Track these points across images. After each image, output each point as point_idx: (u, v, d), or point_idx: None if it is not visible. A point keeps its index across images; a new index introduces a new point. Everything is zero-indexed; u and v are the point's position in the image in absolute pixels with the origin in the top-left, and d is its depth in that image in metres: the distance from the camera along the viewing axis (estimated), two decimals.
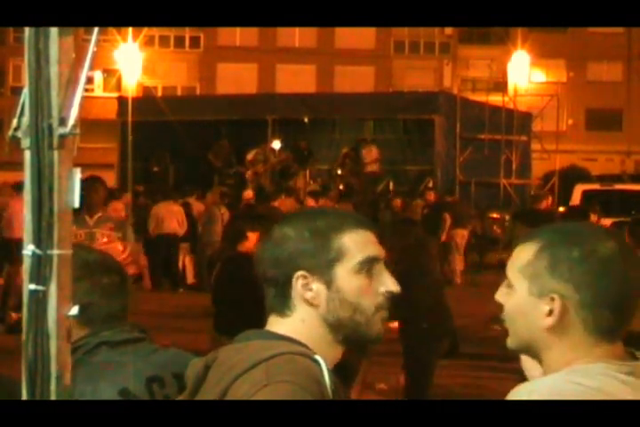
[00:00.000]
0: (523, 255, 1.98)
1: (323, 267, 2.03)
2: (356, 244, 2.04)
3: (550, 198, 16.43)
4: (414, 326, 7.43)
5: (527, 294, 1.95)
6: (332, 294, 2.04)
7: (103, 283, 2.55)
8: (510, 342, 2.02)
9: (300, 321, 2.06)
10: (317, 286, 2.04)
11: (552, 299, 1.92)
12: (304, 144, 23.46)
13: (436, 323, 7.63)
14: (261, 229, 7.40)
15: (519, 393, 1.88)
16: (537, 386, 1.89)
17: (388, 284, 2.06)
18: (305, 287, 2.04)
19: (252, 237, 7.17)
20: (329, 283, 2.03)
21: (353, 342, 2.09)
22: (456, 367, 10.55)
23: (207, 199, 19.37)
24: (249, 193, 19.74)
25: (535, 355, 1.99)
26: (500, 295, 2.01)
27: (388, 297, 2.07)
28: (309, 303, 2.04)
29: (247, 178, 23.07)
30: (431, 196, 20.98)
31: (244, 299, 7.04)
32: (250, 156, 23.22)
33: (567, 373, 1.89)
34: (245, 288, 7.12)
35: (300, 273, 2.03)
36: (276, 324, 2.07)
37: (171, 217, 17.77)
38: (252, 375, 1.91)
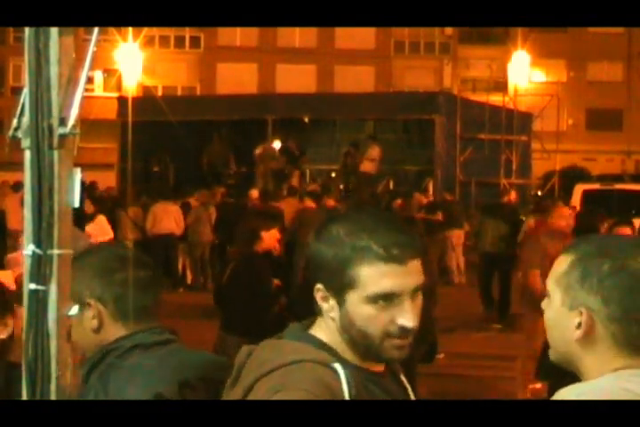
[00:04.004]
0: (559, 266, 1.99)
1: (337, 288, 2.05)
2: (371, 278, 2.02)
3: (513, 193, 18.52)
4: None
5: (560, 305, 1.96)
6: (343, 314, 2.06)
7: (138, 276, 2.54)
8: (551, 355, 2.02)
9: (327, 328, 2.11)
10: (332, 302, 2.07)
11: (581, 312, 1.92)
12: (293, 144, 23.44)
13: (420, 328, 7.57)
14: (274, 228, 7.42)
15: (567, 395, 1.87)
16: (586, 389, 1.87)
17: (404, 318, 2.05)
18: (323, 300, 2.08)
19: (266, 236, 7.21)
20: (341, 304, 2.06)
21: (370, 360, 2.11)
22: (453, 368, 10.55)
23: (194, 200, 19.22)
24: (255, 192, 19.68)
25: (573, 368, 1.98)
26: (543, 304, 2.03)
27: (402, 330, 2.06)
28: (329, 316, 2.09)
29: (258, 174, 22.97)
30: (429, 196, 20.97)
31: (259, 299, 7.04)
32: (258, 150, 23.10)
33: (615, 377, 1.87)
34: (260, 288, 7.12)
35: (318, 286, 2.08)
36: (317, 323, 2.13)
37: (168, 217, 17.71)
38: (270, 379, 1.96)
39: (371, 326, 2.04)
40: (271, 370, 1.97)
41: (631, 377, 1.86)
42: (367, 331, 2.05)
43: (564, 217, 9.45)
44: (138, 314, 2.53)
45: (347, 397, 1.96)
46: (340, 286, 2.04)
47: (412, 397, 2.24)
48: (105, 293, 2.51)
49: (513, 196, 18.04)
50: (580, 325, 1.92)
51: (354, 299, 2.04)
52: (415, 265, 2.06)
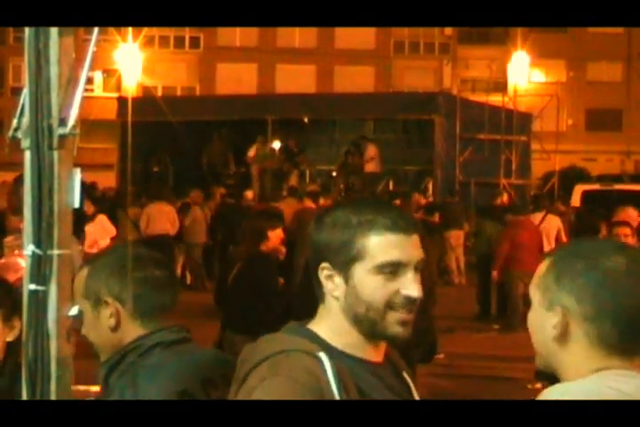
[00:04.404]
0: (539, 270, 2.01)
1: (343, 263, 2.10)
2: (380, 247, 2.08)
3: (506, 195, 19.40)
4: None
5: (539, 306, 1.97)
6: (349, 289, 2.10)
7: (155, 275, 2.55)
8: (536, 360, 2.03)
9: (328, 311, 2.15)
10: (338, 280, 2.11)
11: (557, 311, 1.93)
12: (292, 143, 23.43)
13: (416, 327, 7.55)
14: (279, 227, 7.42)
15: (551, 395, 1.87)
16: (570, 389, 1.87)
17: (408, 288, 2.10)
18: (328, 279, 2.12)
19: (272, 236, 7.21)
20: (347, 279, 2.10)
21: (375, 338, 2.13)
22: (453, 368, 10.55)
23: (194, 199, 19.09)
24: (249, 193, 19.66)
25: (553, 370, 1.98)
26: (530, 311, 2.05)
27: (407, 301, 2.10)
28: (332, 295, 2.12)
29: (253, 175, 22.98)
30: (429, 197, 20.96)
31: (268, 298, 7.02)
32: (251, 152, 23.14)
33: (600, 377, 1.87)
34: (270, 287, 7.11)
35: (324, 265, 2.12)
36: (317, 315, 2.17)
37: (161, 217, 17.61)
38: (260, 369, 2.03)
39: (376, 297, 2.08)
40: (261, 360, 2.04)
41: (617, 377, 1.86)
42: (372, 303, 2.08)
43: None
44: (156, 313, 2.54)
45: (333, 385, 2.00)
46: (347, 260, 2.09)
47: (415, 393, 2.25)
48: (123, 291, 2.51)
49: (505, 197, 18.40)
50: (557, 324, 1.93)
51: (360, 272, 2.08)
52: (417, 240, 2.13)
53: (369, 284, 2.08)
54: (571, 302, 1.91)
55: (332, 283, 2.12)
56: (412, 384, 2.25)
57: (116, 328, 2.52)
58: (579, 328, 1.91)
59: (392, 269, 2.08)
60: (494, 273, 13.66)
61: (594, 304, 1.90)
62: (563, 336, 1.93)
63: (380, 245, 2.08)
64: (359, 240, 2.08)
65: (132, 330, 2.51)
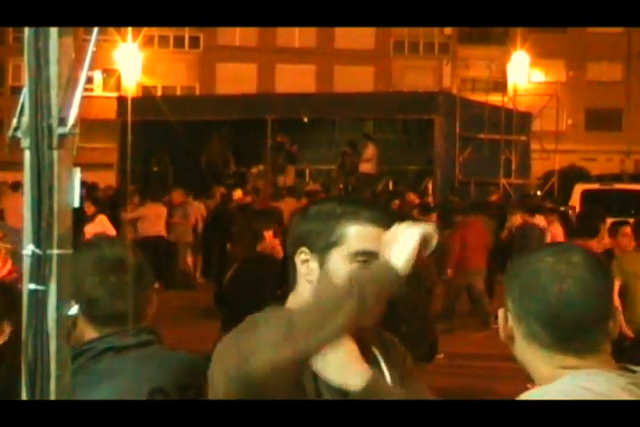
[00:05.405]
0: None
1: (321, 248, 2.20)
2: (358, 236, 2.19)
3: (498, 193, 20.01)
4: (392, 329, 7.30)
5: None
6: (323, 274, 2.20)
7: (110, 281, 2.48)
8: None
9: (300, 295, 2.25)
10: (313, 264, 2.21)
11: (500, 312, 2.00)
12: (282, 138, 23.39)
13: (416, 327, 7.55)
14: (274, 227, 7.37)
15: (531, 397, 1.88)
16: (547, 391, 1.89)
17: None
18: (303, 263, 2.22)
19: (268, 236, 7.15)
20: (322, 263, 2.20)
21: None
22: (453, 368, 10.56)
23: (173, 200, 18.85)
24: (238, 193, 19.65)
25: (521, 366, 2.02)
26: None
27: None
28: (306, 279, 2.23)
29: (250, 180, 23.05)
30: (429, 196, 20.97)
31: (264, 299, 6.97)
32: (254, 170, 23.18)
33: (572, 378, 1.89)
34: (265, 289, 7.06)
35: (302, 249, 2.22)
36: (289, 299, 2.29)
37: (157, 219, 17.52)
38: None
39: None
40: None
41: (589, 376, 1.88)
42: None
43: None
44: (107, 319, 2.46)
45: None
46: (326, 245, 2.19)
47: (384, 368, 2.29)
48: (77, 294, 2.47)
49: (496, 196, 18.80)
50: (502, 325, 2.00)
51: (336, 257, 2.19)
52: None
53: (342, 269, 2.17)
54: (509, 303, 1.97)
55: (306, 267, 2.22)
56: (381, 359, 2.30)
57: (72, 327, 2.48)
58: (516, 329, 1.97)
59: (366, 259, 2.16)
60: (449, 271, 13.88)
61: (521, 304, 1.94)
62: (508, 336, 1.99)
63: (359, 234, 2.19)
64: (340, 228, 2.19)
65: (87, 332, 2.46)
